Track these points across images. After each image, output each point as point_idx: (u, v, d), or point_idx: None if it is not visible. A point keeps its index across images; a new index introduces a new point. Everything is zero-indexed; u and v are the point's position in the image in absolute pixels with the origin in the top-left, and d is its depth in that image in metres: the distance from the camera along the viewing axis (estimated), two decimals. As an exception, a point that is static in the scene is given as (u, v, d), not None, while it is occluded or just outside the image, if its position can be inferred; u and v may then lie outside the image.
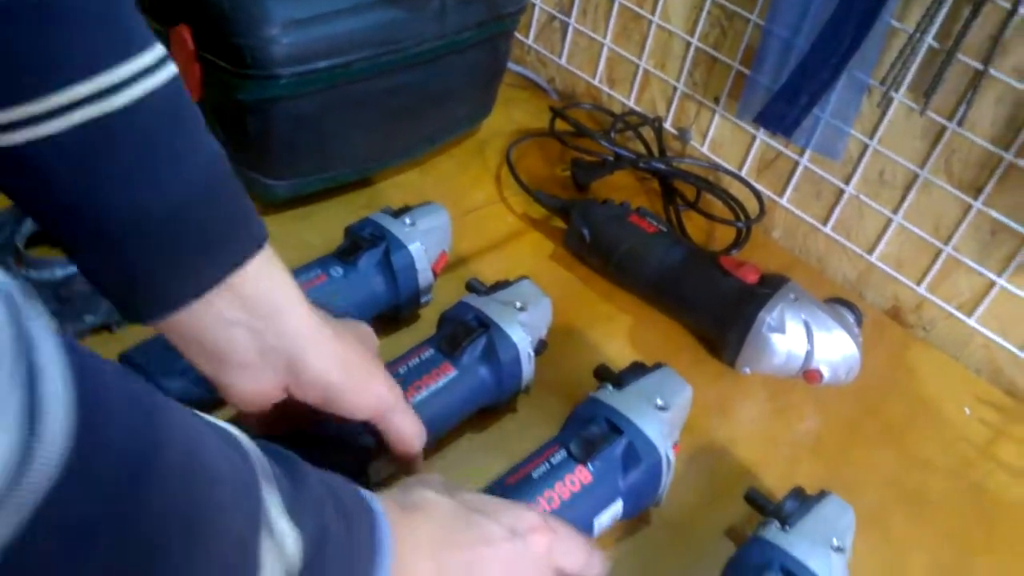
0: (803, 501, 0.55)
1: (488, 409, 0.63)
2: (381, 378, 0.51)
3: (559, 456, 0.56)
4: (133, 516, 0.26)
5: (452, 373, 0.59)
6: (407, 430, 0.52)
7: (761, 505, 0.57)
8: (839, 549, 0.51)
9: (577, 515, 0.54)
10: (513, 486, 0.54)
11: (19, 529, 0.22)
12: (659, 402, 0.58)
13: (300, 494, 0.35)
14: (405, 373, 0.58)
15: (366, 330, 0.56)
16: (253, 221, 0.47)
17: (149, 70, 0.40)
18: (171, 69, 0.41)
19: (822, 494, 0.55)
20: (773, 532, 0.52)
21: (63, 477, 0.23)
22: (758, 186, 0.86)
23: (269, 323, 0.46)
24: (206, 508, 0.29)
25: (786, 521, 0.53)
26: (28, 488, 0.22)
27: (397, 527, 0.40)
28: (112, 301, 0.44)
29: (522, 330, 0.61)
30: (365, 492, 0.41)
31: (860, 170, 0.80)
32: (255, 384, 0.48)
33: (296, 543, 0.33)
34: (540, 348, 0.64)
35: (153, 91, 0.40)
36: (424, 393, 0.57)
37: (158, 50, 0.40)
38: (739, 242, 0.83)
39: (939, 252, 0.78)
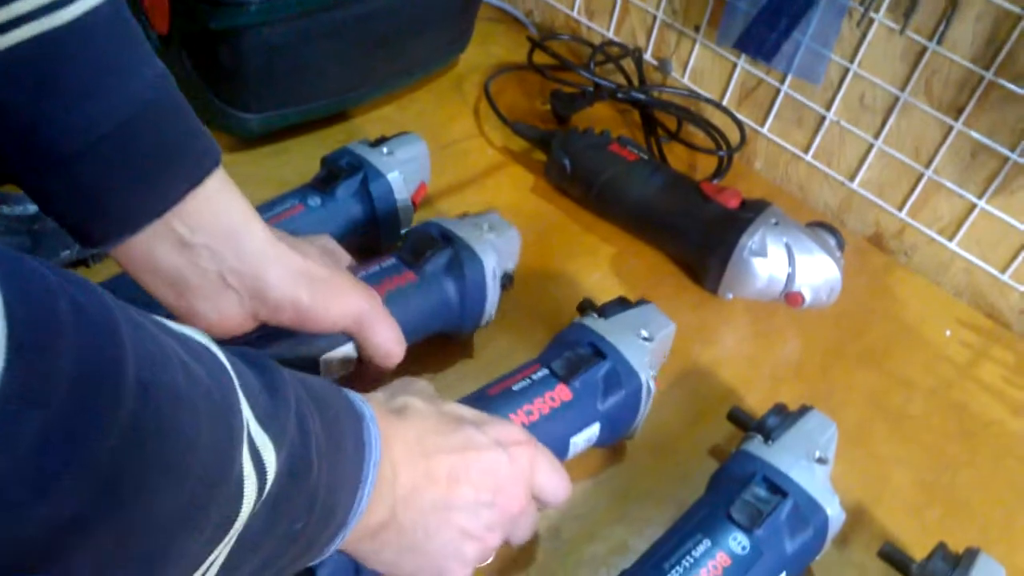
0: (785, 416, 0.55)
1: (451, 336, 0.63)
2: (351, 287, 0.51)
3: (541, 373, 0.56)
4: (89, 453, 0.24)
5: (413, 280, 0.58)
6: (387, 339, 0.52)
7: (744, 422, 0.58)
8: (821, 460, 0.52)
9: (554, 432, 0.54)
10: (494, 397, 0.54)
11: None
12: (644, 333, 0.58)
13: (277, 402, 0.34)
14: (364, 278, 0.57)
15: (331, 244, 0.55)
16: (207, 140, 0.46)
17: None
18: None
19: (804, 409, 0.56)
20: (756, 445, 0.53)
21: None
22: (739, 116, 0.86)
23: (228, 244, 0.46)
24: (176, 432, 0.28)
25: (769, 435, 0.53)
26: None
27: (385, 429, 0.41)
28: (68, 229, 0.44)
29: (490, 248, 0.60)
30: (353, 395, 0.41)
31: (841, 95, 0.79)
32: (220, 312, 0.47)
33: (273, 456, 0.33)
34: (507, 282, 0.63)
35: (96, 7, 0.39)
36: (383, 296, 0.56)
37: None
38: (721, 171, 0.82)
39: (920, 176, 0.78)
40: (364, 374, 0.55)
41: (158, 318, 0.31)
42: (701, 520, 0.50)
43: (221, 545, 0.31)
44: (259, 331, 0.51)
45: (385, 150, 0.66)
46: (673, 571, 0.47)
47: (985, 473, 0.65)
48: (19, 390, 0.22)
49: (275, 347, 0.53)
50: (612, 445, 0.60)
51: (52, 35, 0.38)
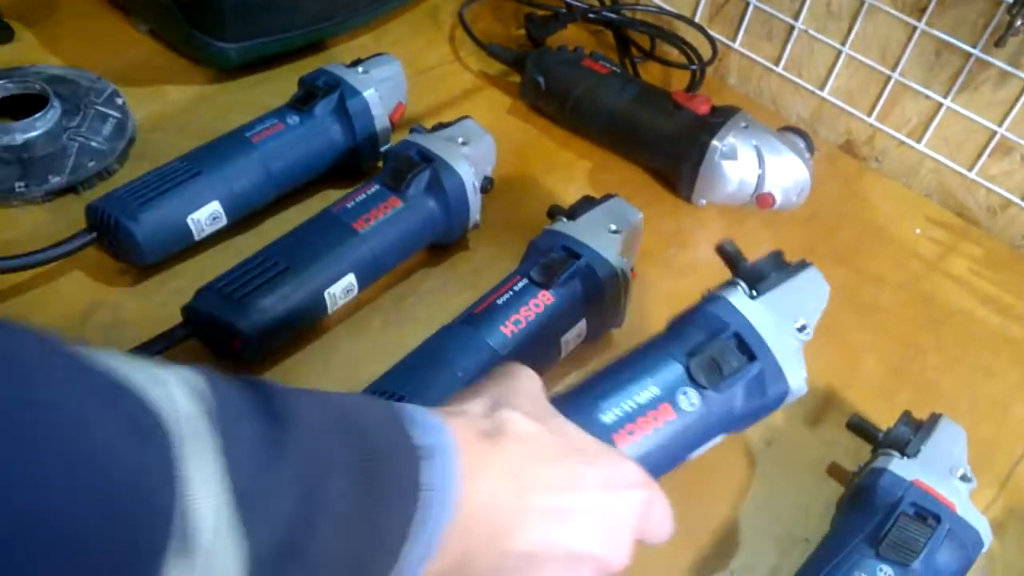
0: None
1: (441, 245, 0.65)
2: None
3: (522, 284, 0.58)
4: None
5: (399, 206, 0.60)
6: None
7: (734, 260, 0.51)
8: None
9: (544, 335, 0.57)
10: (480, 314, 0.56)
11: None
12: (612, 227, 0.60)
13: (275, 462, 0.26)
14: (352, 208, 0.59)
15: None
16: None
17: None
18: None
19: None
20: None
21: None
22: (711, 31, 0.87)
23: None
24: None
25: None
26: None
27: (473, 459, 0.34)
28: None
29: (466, 162, 0.62)
30: (428, 419, 0.34)
31: (808, 3, 0.80)
32: None
33: (236, 546, 0.24)
34: (487, 185, 0.65)
35: None
36: (373, 224, 0.59)
37: None
38: (694, 84, 0.84)
39: (887, 80, 0.79)
40: None
41: (96, 356, 0.23)
42: (653, 362, 0.46)
43: None
44: None
45: (361, 69, 0.67)
46: (610, 412, 0.44)
47: (952, 358, 0.67)
48: None
49: None
50: (602, 336, 0.62)
51: None
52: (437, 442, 0.33)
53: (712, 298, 0.48)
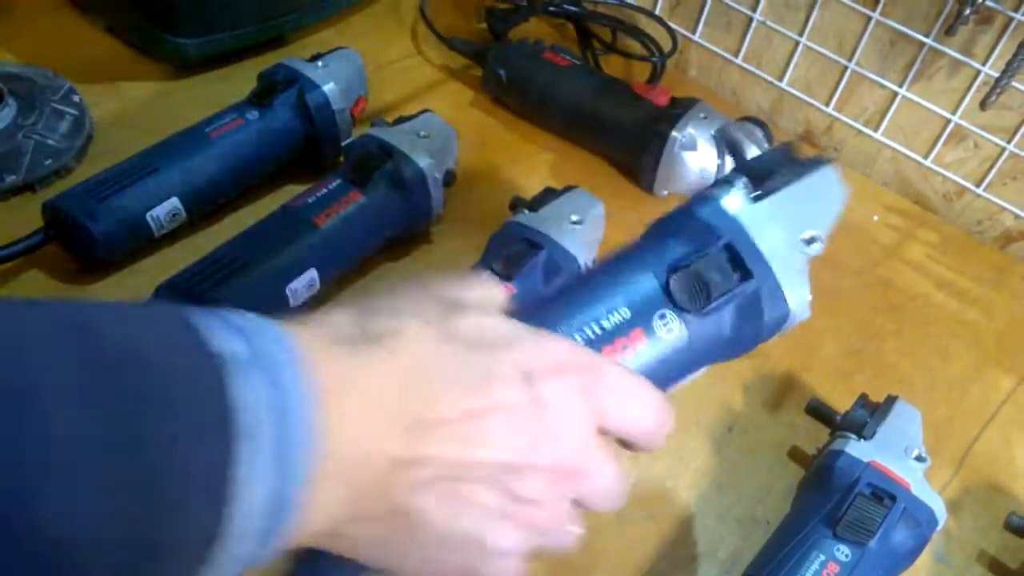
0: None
1: (404, 239, 0.65)
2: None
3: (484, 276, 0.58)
4: None
5: (361, 200, 0.60)
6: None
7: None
8: (813, 240, 0.42)
9: (505, 326, 0.57)
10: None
11: None
12: (573, 217, 0.61)
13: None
14: (313, 202, 0.59)
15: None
16: None
17: None
18: None
19: (817, 160, 0.44)
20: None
21: None
22: (671, 24, 0.88)
23: None
24: None
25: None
26: None
27: (333, 377, 0.27)
28: None
29: (427, 155, 0.62)
30: (236, 319, 0.26)
31: (766, -5, 0.81)
32: None
33: None
34: (449, 178, 0.65)
35: None
36: (334, 219, 0.59)
37: None
38: (655, 77, 0.84)
39: (844, 70, 0.80)
40: None
41: None
42: (625, 277, 0.36)
43: None
44: None
45: (320, 64, 0.67)
46: (580, 333, 0.35)
47: (910, 341, 0.68)
48: None
49: None
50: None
51: None
52: (259, 348, 0.25)
53: (702, 199, 0.38)
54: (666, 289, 0.36)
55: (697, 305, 0.36)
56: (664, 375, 0.37)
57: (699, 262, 0.36)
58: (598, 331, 0.35)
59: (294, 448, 0.25)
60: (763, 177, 0.38)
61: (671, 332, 0.36)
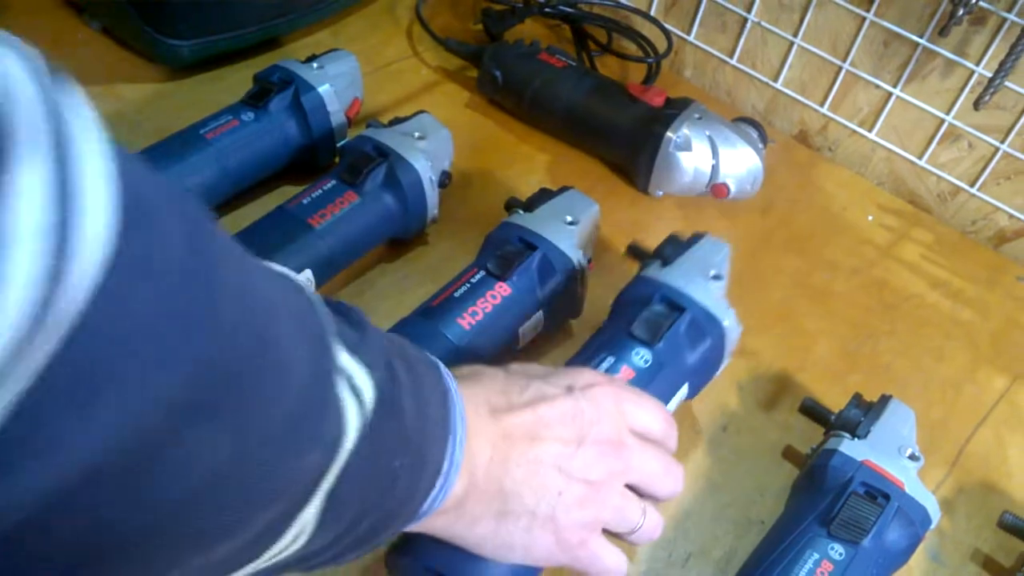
0: (678, 244, 0.58)
1: (399, 240, 0.66)
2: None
3: (479, 276, 0.59)
4: (201, 340, 0.23)
5: (356, 201, 0.61)
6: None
7: (642, 255, 0.59)
8: (716, 277, 0.55)
9: (500, 327, 0.57)
10: (437, 307, 0.57)
11: (58, 344, 0.20)
12: (568, 218, 0.61)
13: (364, 338, 0.34)
14: (308, 204, 0.59)
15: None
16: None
17: None
18: None
19: (697, 235, 0.58)
20: (654, 270, 0.56)
21: (105, 283, 0.20)
22: (667, 25, 0.88)
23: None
24: (275, 337, 0.27)
25: (666, 260, 0.56)
26: (67, 293, 0.19)
27: (459, 390, 0.39)
28: None
29: (422, 157, 0.62)
30: (441, 366, 0.40)
31: (760, -4, 0.82)
32: None
33: (368, 382, 0.32)
34: (445, 180, 0.66)
35: None
36: (329, 220, 0.59)
37: None
38: (650, 78, 0.85)
39: (839, 70, 0.81)
40: None
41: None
42: (605, 340, 0.53)
43: (328, 476, 0.30)
44: None
45: (316, 65, 0.67)
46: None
47: (905, 341, 0.69)
48: (132, 258, 0.21)
49: None
50: (561, 327, 0.63)
51: None
52: (441, 366, 0.40)
53: (635, 279, 0.56)
54: (632, 335, 0.52)
55: (655, 337, 0.52)
56: (655, 395, 0.49)
57: (646, 312, 0.53)
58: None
59: (463, 442, 0.38)
60: (668, 254, 0.56)
61: (647, 362, 0.52)
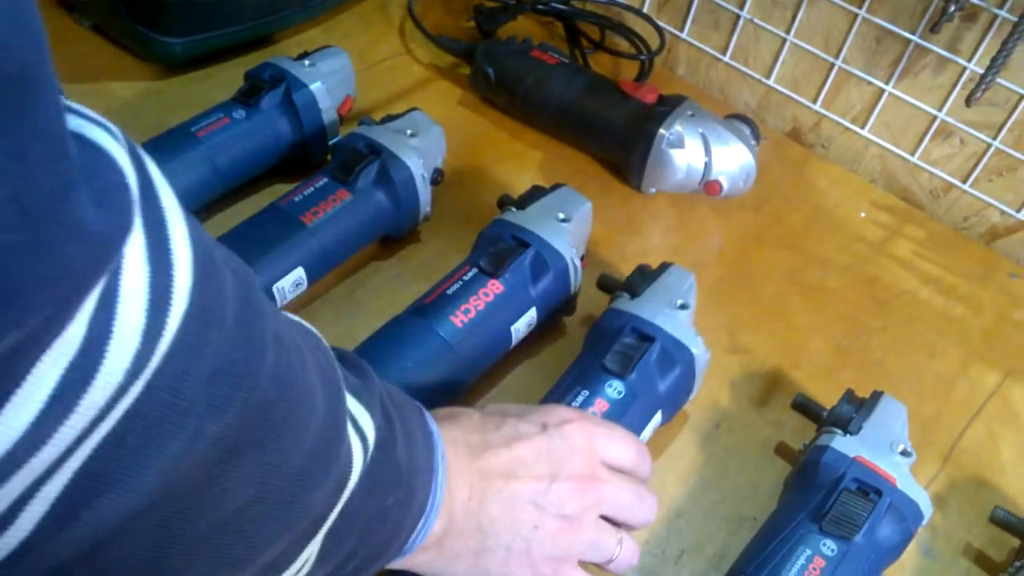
0: (645, 275, 0.59)
1: (392, 238, 0.66)
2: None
3: (471, 273, 0.59)
4: (250, 386, 0.26)
5: (348, 198, 0.60)
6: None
7: (611, 288, 0.61)
8: (683, 307, 0.56)
9: (494, 324, 0.57)
10: (430, 305, 0.57)
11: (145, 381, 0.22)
12: (561, 215, 0.61)
13: (365, 381, 0.36)
14: (300, 201, 0.59)
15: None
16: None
17: None
18: None
19: (664, 265, 0.59)
20: (623, 301, 0.57)
21: (182, 333, 0.23)
22: (659, 22, 0.88)
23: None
24: (303, 380, 0.30)
25: (634, 292, 0.57)
26: (163, 334, 0.22)
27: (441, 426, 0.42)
28: None
29: (415, 154, 0.62)
30: (425, 411, 0.42)
31: (753, -7, 0.82)
32: None
33: (370, 424, 0.35)
34: (437, 177, 0.66)
35: None
36: (321, 218, 0.59)
37: None
38: (643, 75, 0.85)
39: (831, 67, 0.81)
40: None
41: None
42: (579, 374, 0.54)
43: (335, 510, 0.33)
44: None
45: (307, 63, 0.67)
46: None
47: (897, 337, 0.69)
48: (202, 309, 0.24)
49: None
50: (554, 325, 0.63)
51: None
52: (424, 410, 0.42)
53: (606, 311, 0.57)
54: (604, 368, 0.53)
55: (627, 368, 0.53)
56: (629, 427, 0.51)
57: (617, 344, 0.54)
58: (576, 407, 0.52)
59: (444, 482, 0.40)
60: (635, 286, 0.57)
61: (620, 393, 0.53)
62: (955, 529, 0.57)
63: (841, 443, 0.51)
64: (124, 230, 0.21)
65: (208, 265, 0.25)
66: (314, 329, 0.35)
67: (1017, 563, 0.52)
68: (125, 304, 0.21)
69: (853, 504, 0.48)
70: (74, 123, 0.22)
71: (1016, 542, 0.55)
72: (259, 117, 0.65)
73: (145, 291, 0.22)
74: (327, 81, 0.67)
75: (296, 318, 0.35)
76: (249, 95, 0.65)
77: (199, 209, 0.64)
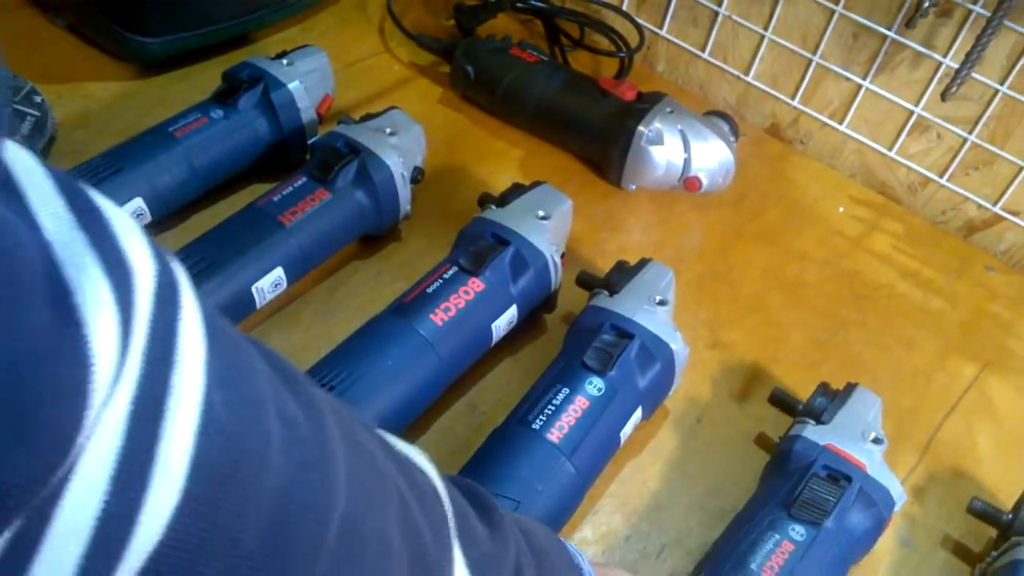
0: (624, 271, 0.59)
1: (373, 236, 0.66)
2: None
3: (451, 271, 0.59)
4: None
5: (327, 198, 0.60)
6: None
7: (591, 285, 0.61)
8: (662, 303, 0.57)
9: (475, 322, 0.57)
10: (410, 303, 0.57)
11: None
12: (541, 213, 0.61)
13: (496, 546, 0.33)
14: (279, 201, 0.59)
15: None
16: None
17: None
18: None
19: (643, 261, 0.60)
20: (602, 299, 0.57)
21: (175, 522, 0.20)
22: (639, 19, 0.88)
23: None
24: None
25: (613, 289, 0.57)
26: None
27: None
28: None
29: (394, 153, 0.62)
30: (572, 546, 0.41)
31: (731, -10, 0.82)
32: None
33: None
34: (417, 175, 0.66)
35: None
36: (300, 217, 0.59)
37: None
38: (622, 72, 0.85)
39: (809, 63, 0.81)
40: None
41: (381, 433, 0.30)
42: (559, 372, 0.54)
43: None
44: None
45: (285, 62, 0.67)
46: (537, 421, 0.51)
47: (875, 330, 0.69)
48: (198, 538, 0.20)
49: None
50: (535, 322, 0.63)
51: None
52: (583, 565, 0.40)
53: (585, 309, 0.58)
54: (584, 365, 0.53)
55: (606, 365, 0.53)
56: (613, 422, 0.53)
57: (597, 341, 0.54)
58: (554, 408, 0.52)
59: None
60: (614, 283, 0.58)
61: (600, 390, 0.53)
62: (933, 520, 0.58)
63: (812, 432, 0.52)
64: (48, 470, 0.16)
65: (231, 458, 0.22)
66: (429, 471, 0.31)
67: (995, 553, 0.53)
68: (172, 414, 0.20)
69: (822, 489, 0.49)
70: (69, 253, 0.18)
71: (994, 532, 0.55)
72: (237, 117, 0.64)
73: (200, 403, 0.20)
74: (306, 80, 0.67)
75: (412, 454, 0.31)
76: (227, 95, 0.65)
77: (178, 210, 0.63)
